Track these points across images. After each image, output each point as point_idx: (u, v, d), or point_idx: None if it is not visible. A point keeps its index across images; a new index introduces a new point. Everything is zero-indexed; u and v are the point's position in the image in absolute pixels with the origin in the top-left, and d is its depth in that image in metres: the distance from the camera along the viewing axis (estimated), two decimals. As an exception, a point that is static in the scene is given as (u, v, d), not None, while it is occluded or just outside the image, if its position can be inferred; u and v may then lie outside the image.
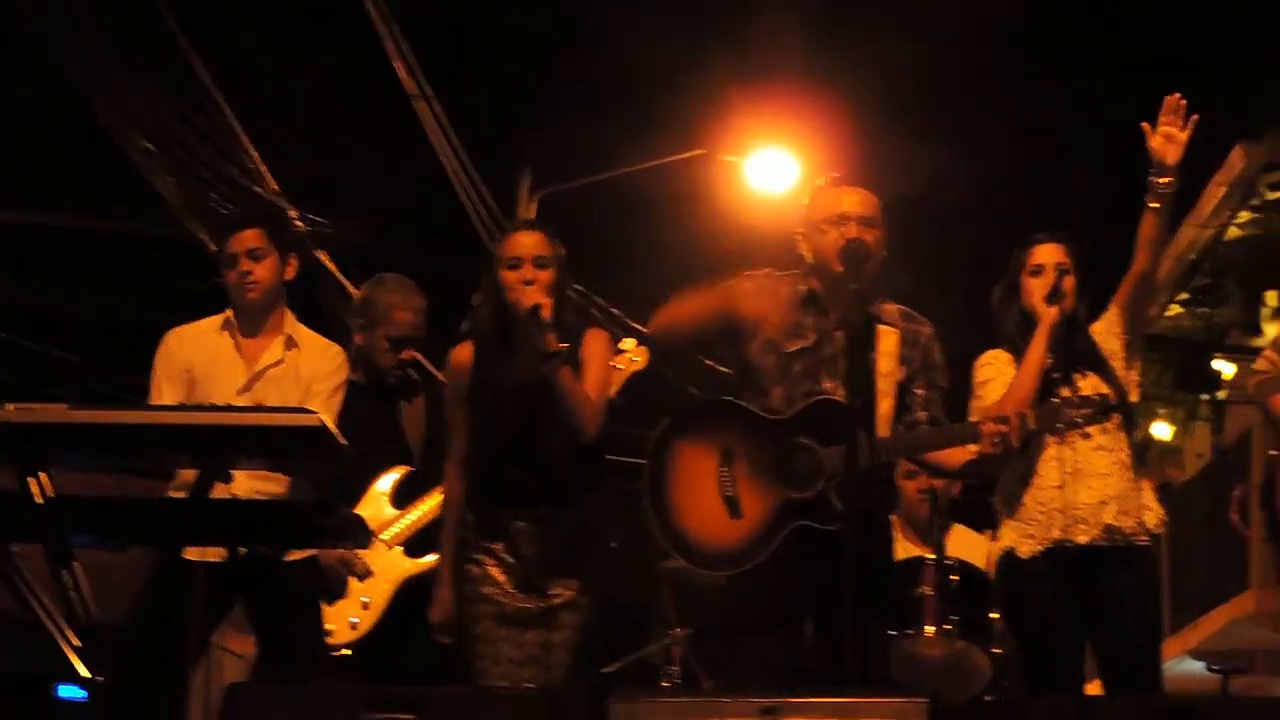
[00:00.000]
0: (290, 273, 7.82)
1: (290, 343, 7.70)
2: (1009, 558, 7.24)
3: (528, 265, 7.11)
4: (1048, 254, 7.24)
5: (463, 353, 7.30)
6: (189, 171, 14.46)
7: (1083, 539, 7.04)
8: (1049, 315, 7.07)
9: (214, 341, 7.70)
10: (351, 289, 10.49)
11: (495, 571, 7.10)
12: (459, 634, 7.28)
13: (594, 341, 7.24)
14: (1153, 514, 7.29)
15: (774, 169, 16.93)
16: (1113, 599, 7.14)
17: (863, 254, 6.84)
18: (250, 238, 7.67)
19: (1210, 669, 15.09)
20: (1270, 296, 18.81)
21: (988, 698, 7.46)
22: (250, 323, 7.69)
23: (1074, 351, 7.23)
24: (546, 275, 7.07)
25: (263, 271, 7.64)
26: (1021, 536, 7.17)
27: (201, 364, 7.64)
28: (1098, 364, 7.29)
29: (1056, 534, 7.06)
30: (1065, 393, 6.97)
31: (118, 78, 13.97)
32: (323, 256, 14.18)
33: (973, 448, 6.90)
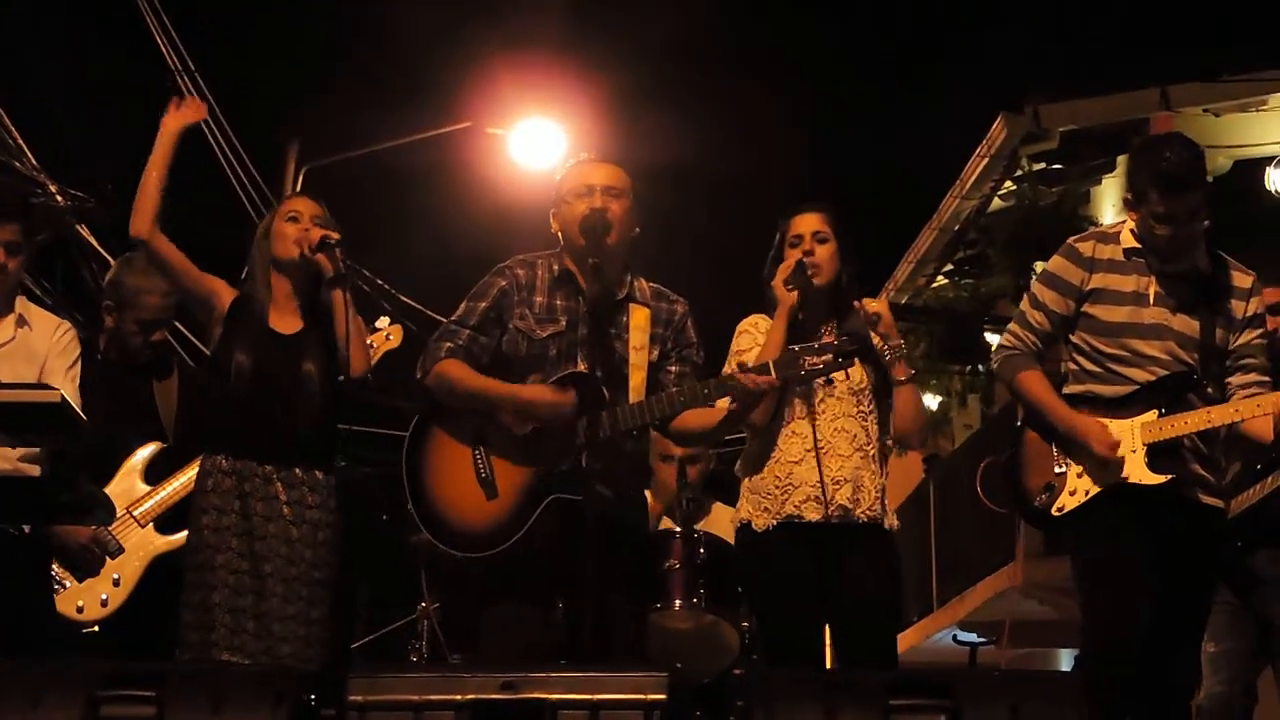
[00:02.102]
0: (25, 254, 7.69)
1: (21, 321, 7.54)
2: (746, 530, 7.27)
3: (306, 219, 7.23)
4: (805, 223, 7.22)
5: (225, 292, 7.33)
6: None
7: (812, 516, 7.06)
8: (787, 299, 7.07)
9: None
10: (112, 262, 10.40)
11: (233, 532, 7.12)
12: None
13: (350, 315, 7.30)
14: (886, 508, 7.32)
15: (539, 142, 16.92)
16: (845, 578, 7.14)
17: (601, 225, 6.83)
18: (9, 229, 7.51)
19: (956, 641, 15.37)
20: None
21: (736, 670, 7.45)
22: None
23: (840, 317, 7.25)
24: (318, 235, 7.17)
25: (15, 264, 7.51)
26: (757, 509, 7.18)
27: None
28: (863, 345, 7.24)
29: (789, 509, 7.08)
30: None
31: None
32: (83, 230, 14.08)
33: (721, 405, 6.93)
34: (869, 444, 7.25)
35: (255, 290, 7.40)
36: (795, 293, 7.08)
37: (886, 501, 7.40)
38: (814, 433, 7.18)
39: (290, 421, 7.26)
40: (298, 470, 7.22)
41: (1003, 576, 17.72)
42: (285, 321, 7.35)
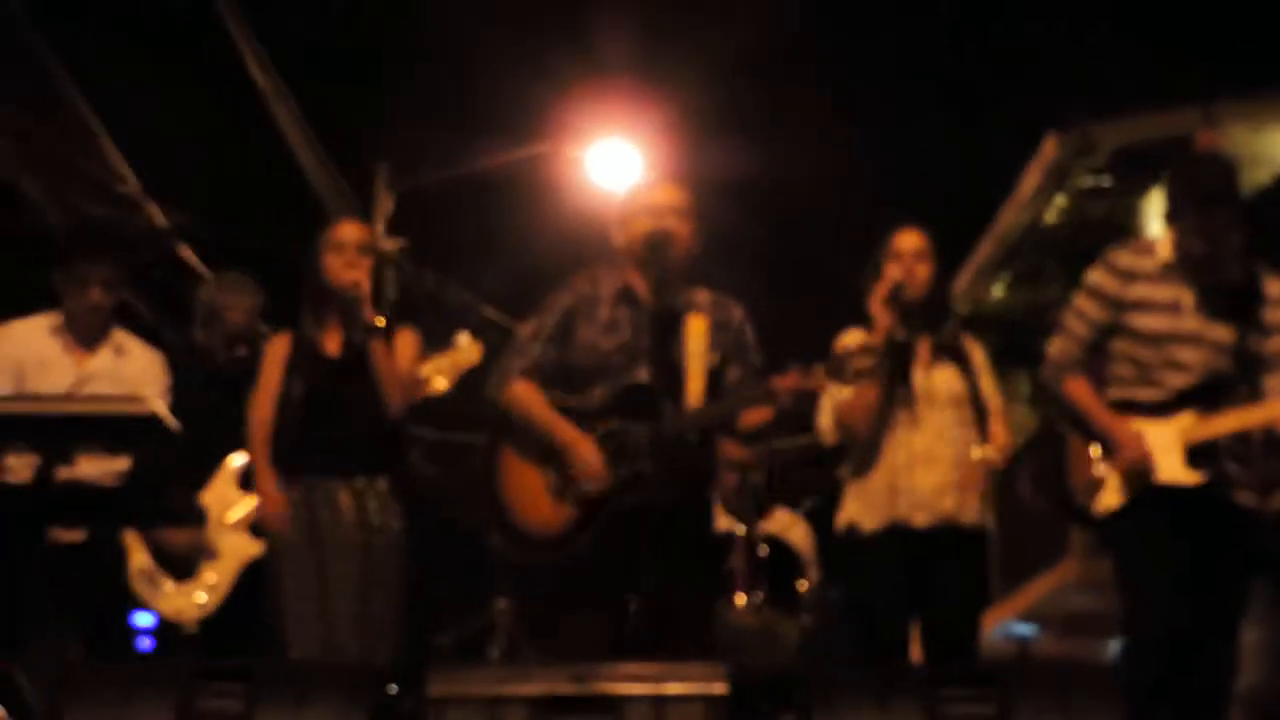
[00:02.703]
0: (117, 290, 7.94)
1: (118, 350, 7.83)
2: (852, 531, 7.40)
3: (351, 251, 7.36)
4: (906, 240, 7.40)
5: (278, 342, 7.52)
6: (50, 168, 14.55)
7: (920, 522, 7.22)
8: (884, 319, 7.18)
9: (43, 342, 7.81)
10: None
11: (303, 541, 7.27)
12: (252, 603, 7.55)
13: (405, 336, 7.45)
14: (986, 505, 7.46)
15: (616, 162, 16.89)
16: (941, 581, 7.30)
17: (662, 241, 6.98)
18: (105, 269, 7.77)
19: (1009, 635, 15.51)
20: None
21: (796, 665, 7.58)
22: (83, 331, 7.79)
23: (934, 330, 7.41)
24: (367, 262, 7.34)
25: (110, 299, 7.75)
26: (864, 511, 7.32)
27: (30, 361, 7.74)
28: (958, 356, 7.46)
29: (898, 513, 7.22)
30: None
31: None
32: (184, 249, 14.26)
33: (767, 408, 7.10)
34: (967, 449, 7.38)
35: (304, 318, 7.65)
36: (892, 314, 7.22)
37: (986, 506, 7.57)
38: (921, 441, 7.34)
39: (342, 437, 7.42)
40: (358, 480, 7.37)
41: (1059, 573, 17.90)
42: (335, 343, 7.57)
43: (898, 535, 7.31)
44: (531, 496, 7.14)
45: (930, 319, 7.44)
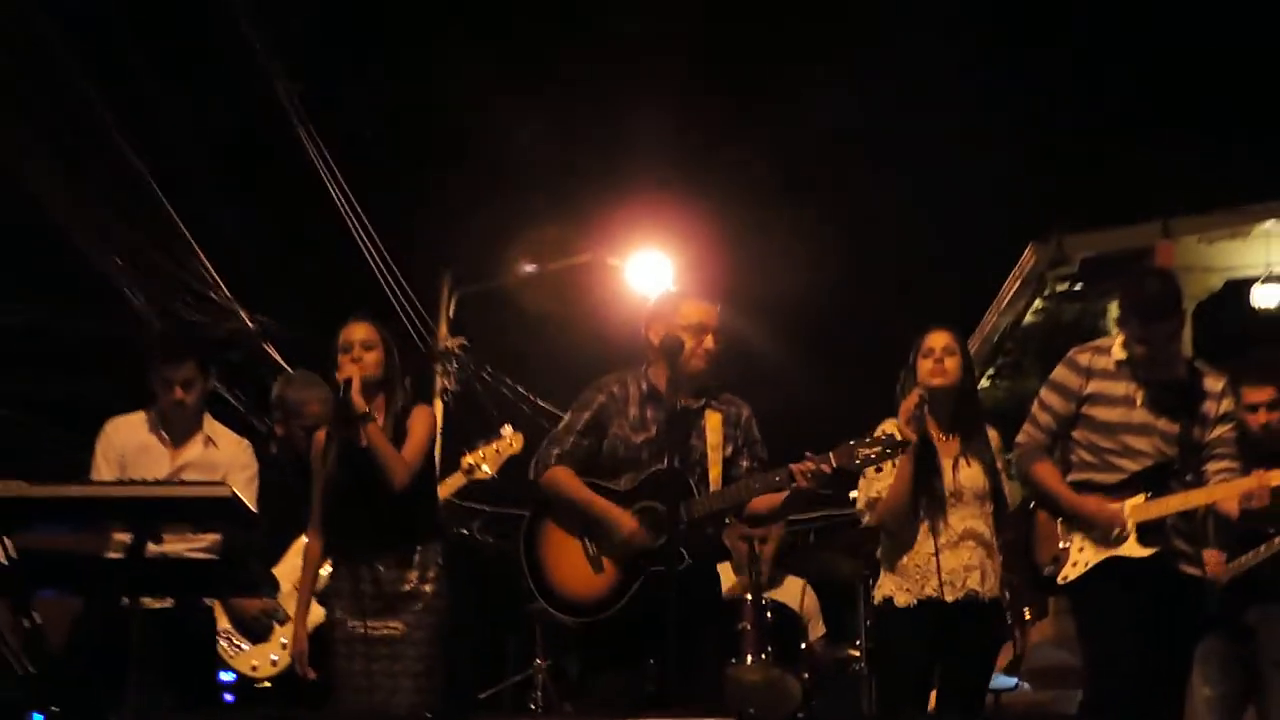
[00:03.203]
0: (209, 385, 8.02)
1: (208, 441, 7.88)
2: (888, 604, 7.42)
3: (356, 348, 7.42)
4: (937, 339, 7.44)
5: (318, 438, 7.57)
6: (154, 281, 14.71)
7: (950, 597, 7.26)
8: (910, 438, 7.23)
9: (143, 434, 7.86)
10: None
11: (348, 609, 7.32)
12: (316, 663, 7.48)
13: (419, 414, 7.47)
14: (1001, 579, 7.53)
15: (651, 270, 16.94)
16: (962, 642, 7.34)
17: (676, 347, 7.09)
18: (186, 369, 7.84)
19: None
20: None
21: (800, 716, 7.74)
22: (174, 424, 7.85)
23: (961, 425, 7.48)
24: (371, 356, 7.37)
25: (193, 397, 7.80)
26: (899, 589, 7.37)
27: (131, 452, 7.80)
28: (983, 456, 7.55)
29: (930, 591, 7.26)
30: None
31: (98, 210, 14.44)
32: (269, 348, 14.35)
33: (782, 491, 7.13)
34: (990, 538, 7.45)
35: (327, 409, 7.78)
36: (915, 435, 7.26)
37: (1000, 570, 7.61)
38: (946, 529, 7.38)
39: (369, 517, 7.39)
40: (392, 553, 7.36)
41: (1038, 629, 17.98)
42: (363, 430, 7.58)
43: (929, 608, 7.33)
44: (571, 566, 7.23)
45: (961, 420, 7.48)
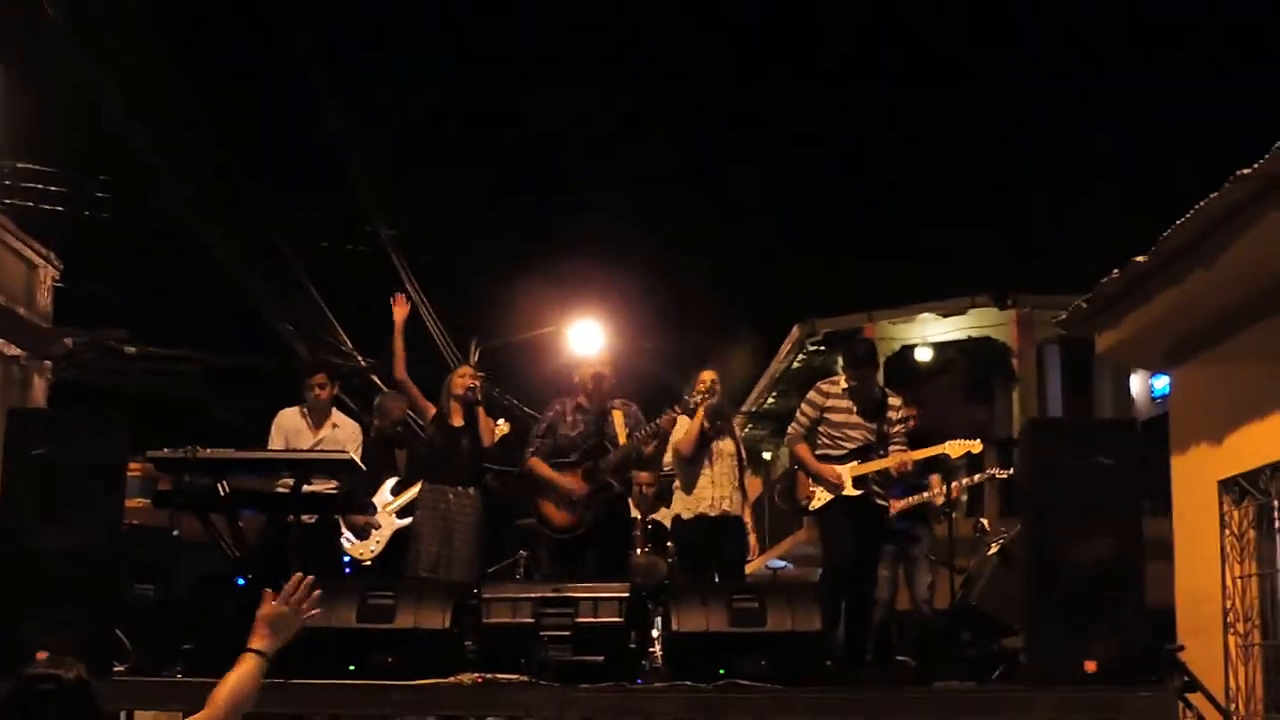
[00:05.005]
0: (334, 390, 8.34)
1: (334, 425, 8.23)
2: (678, 520, 8.10)
3: (466, 377, 8.16)
4: (706, 375, 8.13)
5: (430, 416, 8.08)
6: (308, 334, 15.96)
7: (712, 513, 7.96)
8: (700, 413, 7.93)
9: (297, 421, 8.23)
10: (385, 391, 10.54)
11: (428, 516, 7.77)
12: (397, 555, 7.90)
13: (484, 417, 8.12)
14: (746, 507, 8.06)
15: (588, 335, 17.25)
16: (728, 542, 8.05)
17: (600, 378, 7.99)
18: (321, 379, 8.29)
19: (768, 567, 17.22)
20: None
21: (666, 582, 7.82)
22: (315, 415, 8.26)
23: (720, 420, 8.00)
24: (476, 381, 8.11)
25: (325, 397, 8.24)
26: (685, 509, 8.09)
27: (291, 431, 8.18)
28: (733, 434, 8.21)
29: (702, 509, 8.06)
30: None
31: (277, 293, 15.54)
32: (373, 376, 15.21)
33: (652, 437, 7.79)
34: (735, 478, 8.02)
35: (442, 405, 8.11)
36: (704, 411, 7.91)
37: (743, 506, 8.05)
38: (711, 474, 8.00)
39: (455, 466, 7.94)
40: (460, 488, 7.88)
41: (795, 537, 19.03)
42: (457, 417, 8.04)
43: (701, 519, 7.93)
44: (551, 507, 7.91)
45: (720, 415, 8.10)
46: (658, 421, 7.71)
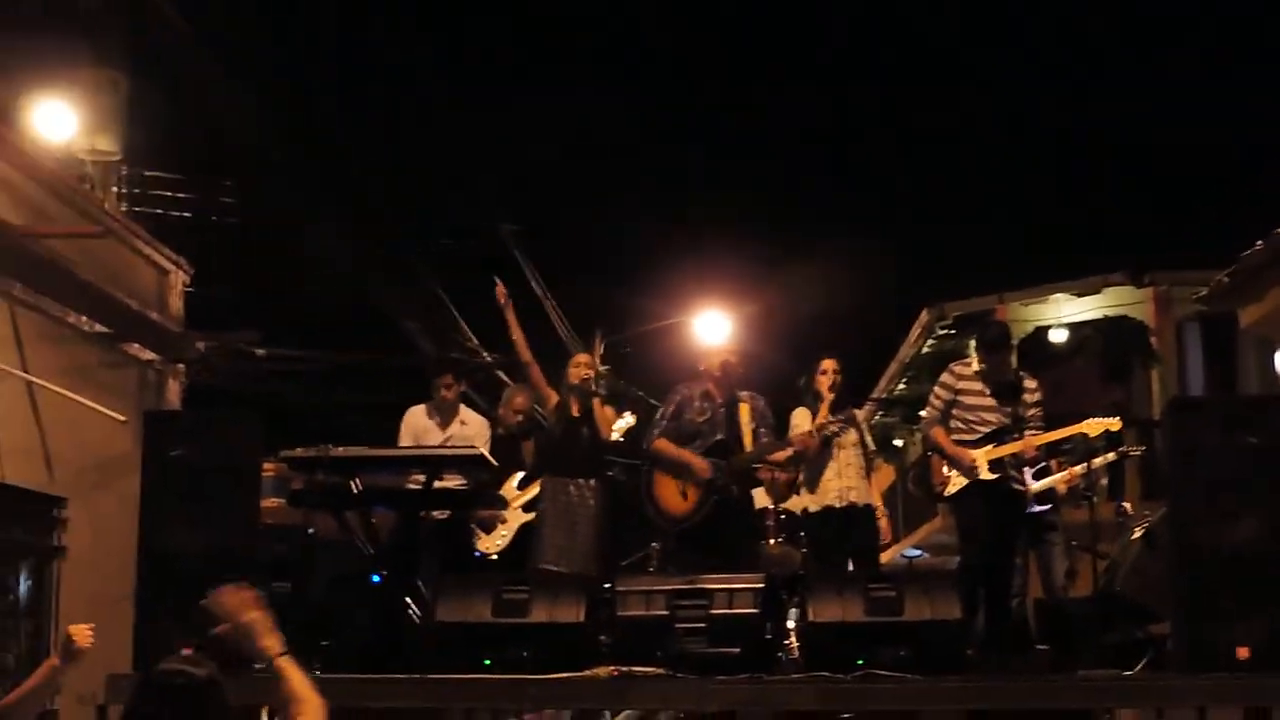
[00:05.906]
0: (461, 388, 8.41)
1: (462, 423, 8.29)
2: (805, 510, 8.09)
3: (582, 367, 8.07)
4: (827, 364, 8.10)
5: (549, 406, 8.13)
6: (437, 335, 16.29)
7: (839, 504, 7.98)
8: (824, 408, 7.91)
9: (425, 419, 8.26)
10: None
11: (553, 507, 7.79)
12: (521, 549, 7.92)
13: (601, 409, 8.09)
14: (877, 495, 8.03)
15: (716, 325, 16.62)
16: (859, 530, 8.10)
17: (729, 368, 7.80)
18: (448, 378, 8.37)
19: (903, 556, 16.99)
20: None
21: (800, 572, 7.75)
22: (443, 412, 8.30)
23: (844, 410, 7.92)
24: (592, 371, 8.03)
25: (452, 395, 8.30)
26: (809, 501, 8.06)
27: (420, 429, 8.23)
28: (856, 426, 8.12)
29: (828, 500, 8.05)
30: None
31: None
32: (500, 373, 15.12)
33: (787, 451, 7.76)
34: (863, 468, 8.05)
35: (563, 396, 8.12)
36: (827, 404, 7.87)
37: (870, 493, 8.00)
38: (835, 465, 8.05)
39: (575, 457, 7.94)
40: (582, 479, 7.88)
41: (932, 524, 18.79)
42: (576, 408, 8.01)
43: (828, 511, 7.96)
44: (670, 495, 7.72)
45: (843, 405, 8.04)
46: (794, 448, 7.81)
